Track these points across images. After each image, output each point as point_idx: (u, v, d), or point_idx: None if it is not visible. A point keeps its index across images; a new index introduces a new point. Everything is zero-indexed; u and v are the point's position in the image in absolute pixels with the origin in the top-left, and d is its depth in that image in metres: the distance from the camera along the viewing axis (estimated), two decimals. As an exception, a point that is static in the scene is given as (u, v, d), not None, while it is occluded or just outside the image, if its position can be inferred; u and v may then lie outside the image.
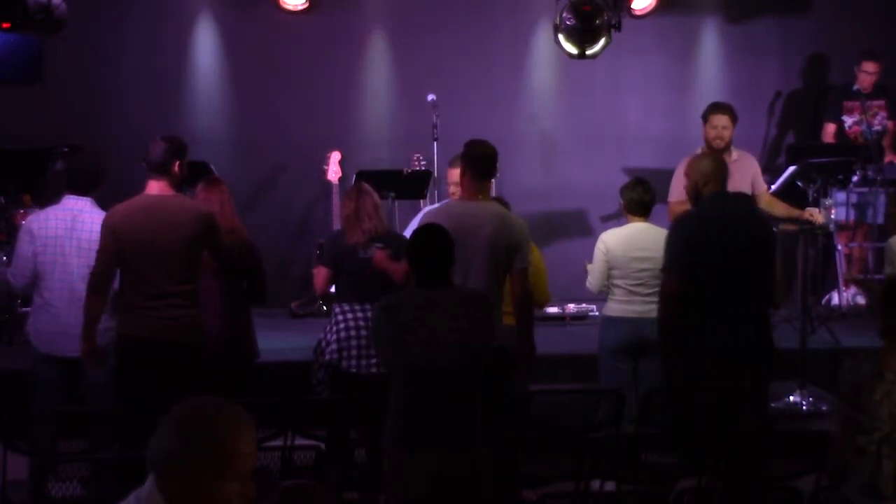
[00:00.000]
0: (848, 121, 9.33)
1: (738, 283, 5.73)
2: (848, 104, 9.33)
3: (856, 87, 9.18)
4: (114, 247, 5.49)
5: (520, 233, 5.55)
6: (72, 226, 5.83)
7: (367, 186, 6.35)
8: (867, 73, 9.16)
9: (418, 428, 4.51)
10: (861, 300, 8.75)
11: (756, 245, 5.85)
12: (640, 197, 6.44)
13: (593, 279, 6.52)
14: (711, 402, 5.71)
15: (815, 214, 7.85)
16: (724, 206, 5.88)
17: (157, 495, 2.61)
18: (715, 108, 7.91)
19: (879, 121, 9.24)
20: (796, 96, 10.03)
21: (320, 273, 6.27)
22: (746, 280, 5.76)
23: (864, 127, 9.17)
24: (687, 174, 5.98)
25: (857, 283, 8.45)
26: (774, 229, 6.49)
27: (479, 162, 5.63)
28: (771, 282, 5.93)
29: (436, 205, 5.76)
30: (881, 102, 9.27)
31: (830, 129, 9.38)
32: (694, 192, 5.92)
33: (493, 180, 8.16)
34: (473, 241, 5.39)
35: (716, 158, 6.19)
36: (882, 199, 8.83)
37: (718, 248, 5.76)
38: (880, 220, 8.88)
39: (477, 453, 4.55)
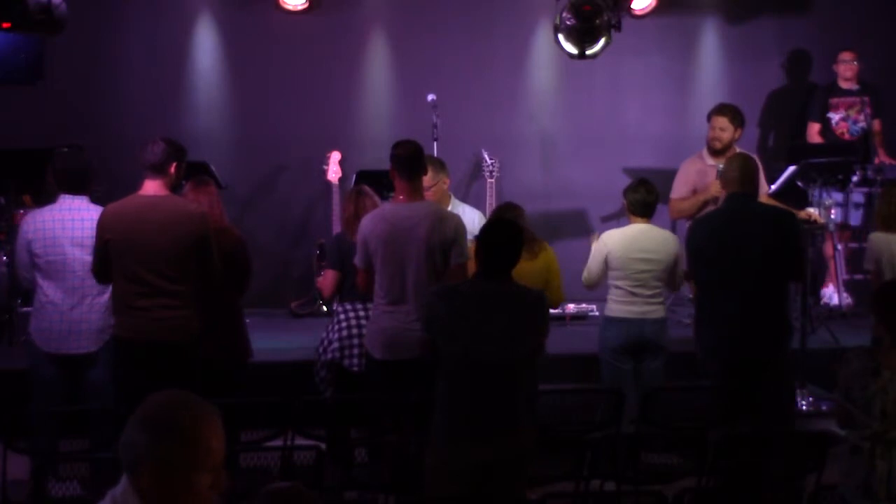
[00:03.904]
0: (834, 117, 9.31)
1: (747, 284, 5.75)
2: (833, 101, 9.32)
3: (842, 85, 9.21)
4: (106, 245, 5.50)
5: (455, 229, 5.58)
6: (70, 225, 5.85)
7: (367, 189, 6.35)
8: (845, 61, 9.21)
9: (463, 419, 4.60)
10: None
11: (770, 244, 5.84)
12: (643, 198, 6.43)
13: (588, 272, 6.51)
14: (711, 402, 5.73)
15: (813, 214, 7.85)
16: (733, 210, 5.90)
17: (131, 493, 2.63)
18: (717, 109, 8.03)
19: (863, 118, 9.20)
20: (796, 96, 10.01)
21: (328, 276, 6.26)
22: (757, 280, 5.77)
23: (850, 123, 9.19)
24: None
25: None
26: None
27: (405, 162, 5.64)
28: (789, 278, 5.97)
29: (373, 211, 5.79)
30: (865, 99, 9.24)
31: (815, 128, 9.38)
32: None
33: (491, 181, 8.12)
34: (409, 242, 5.48)
35: (739, 160, 6.15)
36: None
37: (724, 251, 5.80)
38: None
39: (520, 445, 4.63)
